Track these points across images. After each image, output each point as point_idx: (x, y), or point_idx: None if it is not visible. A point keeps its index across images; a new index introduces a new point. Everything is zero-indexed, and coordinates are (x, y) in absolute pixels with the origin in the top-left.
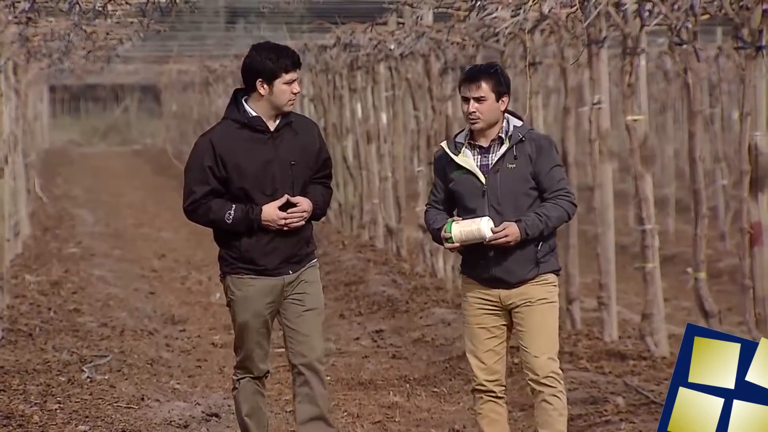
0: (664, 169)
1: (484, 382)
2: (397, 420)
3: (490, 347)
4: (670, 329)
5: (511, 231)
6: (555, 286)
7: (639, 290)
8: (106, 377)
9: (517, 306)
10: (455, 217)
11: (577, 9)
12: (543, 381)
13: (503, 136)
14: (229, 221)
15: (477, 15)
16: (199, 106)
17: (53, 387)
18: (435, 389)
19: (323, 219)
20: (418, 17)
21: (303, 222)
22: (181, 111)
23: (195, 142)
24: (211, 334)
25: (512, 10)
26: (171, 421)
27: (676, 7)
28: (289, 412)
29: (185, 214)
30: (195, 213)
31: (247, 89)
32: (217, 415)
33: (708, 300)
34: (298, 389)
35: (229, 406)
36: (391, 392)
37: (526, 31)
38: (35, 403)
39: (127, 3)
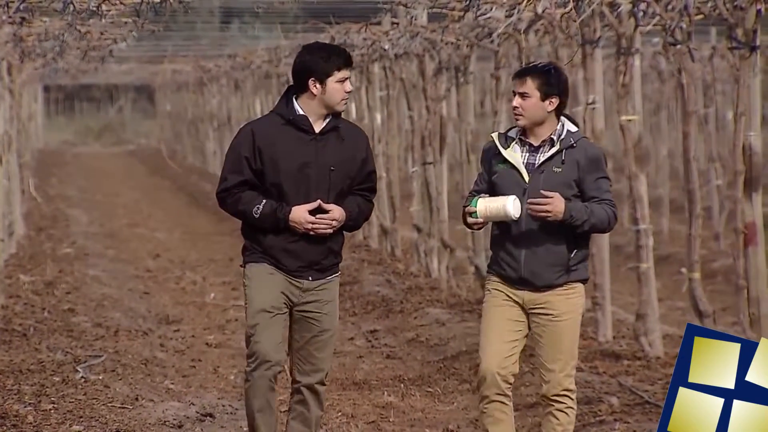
0: (659, 169)
1: (493, 375)
2: (391, 420)
3: (507, 340)
4: (665, 329)
5: (557, 202)
6: (582, 296)
7: (633, 290)
8: (101, 377)
9: (540, 314)
10: (482, 195)
11: (571, 9)
12: (553, 397)
13: (555, 138)
14: (256, 215)
15: (474, 14)
16: (193, 106)
17: (47, 387)
18: (429, 389)
19: None
20: (412, 17)
21: (331, 231)
22: (176, 111)
23: (239, 129)
24: (205, 334)
25: (507, 11)
26: (165, 422)
27: (670, 7)
28: (283, 412)
29: (216, 199)
30: (225, 201)
31: (299, 89)
32: (211, 416)
33: (702, 300)
34: (294, 405)
35: (223, 406)
36: (385, 392)
37: (521, 31)
38: (29, 403)
39: (121, 3)
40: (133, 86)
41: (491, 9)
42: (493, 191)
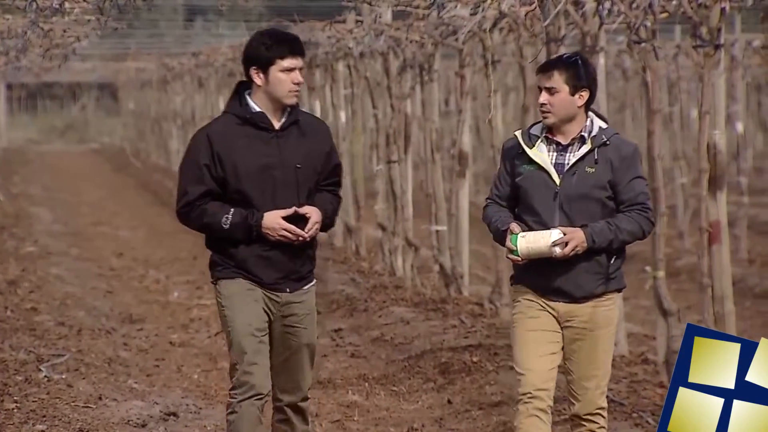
0: None
1: (535, 391)
2: (355, 419)
3: (547, 352)
4: (629, 328)
5: (577, 236)
6: (618, 307)
7: None
8: (64, 376)
9: (576, 327)
10: (515, 226)
11: (536, 7)
12: (586, 417)
13: (586, 135)
14: (225, 226)
15: (438, 12)
16: (156, 104)
17: (10, 386)
18: (394, 388)
19: None
20: (376, 15)
21: (314, 234)
22: (139, 109)
23: (192, 136)
24: (169, 333)
25: (471, 9)
26: (129, 421)
27: (635, 5)
28: None
29: (177, 216)
30: (188, 216)
31: (249, 82)
32: (175, 414)
33: (667, 298)
34: (277, 424)
35: (187, 405)
36: (350, 391)
37: (486, 29)
38: None
39: (84, 0)
40: (97, 84)
41: (456, 7)
42: (518, 194)
